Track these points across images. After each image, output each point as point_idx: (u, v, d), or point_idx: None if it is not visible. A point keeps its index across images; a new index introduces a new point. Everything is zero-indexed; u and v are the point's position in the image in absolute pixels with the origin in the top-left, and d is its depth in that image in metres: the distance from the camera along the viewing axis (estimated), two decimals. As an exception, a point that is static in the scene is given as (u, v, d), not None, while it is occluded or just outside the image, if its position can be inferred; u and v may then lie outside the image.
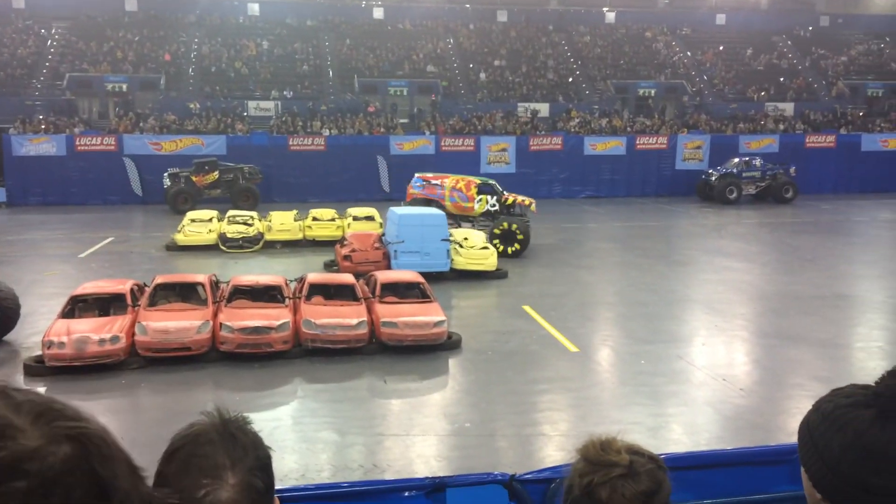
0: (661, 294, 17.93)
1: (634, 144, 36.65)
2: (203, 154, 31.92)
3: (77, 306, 13.35)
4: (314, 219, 24.08)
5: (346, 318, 13.28)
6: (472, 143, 35.26)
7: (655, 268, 20.94)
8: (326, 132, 35.13)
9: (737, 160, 34.82)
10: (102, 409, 11.13)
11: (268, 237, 22.99)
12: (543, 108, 39.85)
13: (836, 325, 15.72)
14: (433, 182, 24.00)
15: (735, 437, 10.10)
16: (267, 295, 14.27)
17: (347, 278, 15.15)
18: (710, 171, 35.16)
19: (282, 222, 23.60)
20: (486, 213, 23.31)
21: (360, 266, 18.06)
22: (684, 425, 10.76)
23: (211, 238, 22.44)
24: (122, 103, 37.24)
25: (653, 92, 42.67)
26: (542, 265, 20.90)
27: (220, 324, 12.92)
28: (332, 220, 24.09)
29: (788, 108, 41.88)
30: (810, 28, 49.30)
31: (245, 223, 23.39)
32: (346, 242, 20.05)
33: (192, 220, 23.31)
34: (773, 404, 11.55)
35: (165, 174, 30.65)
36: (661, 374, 12.50)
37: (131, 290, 13.79)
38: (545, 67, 43.54)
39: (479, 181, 24.05)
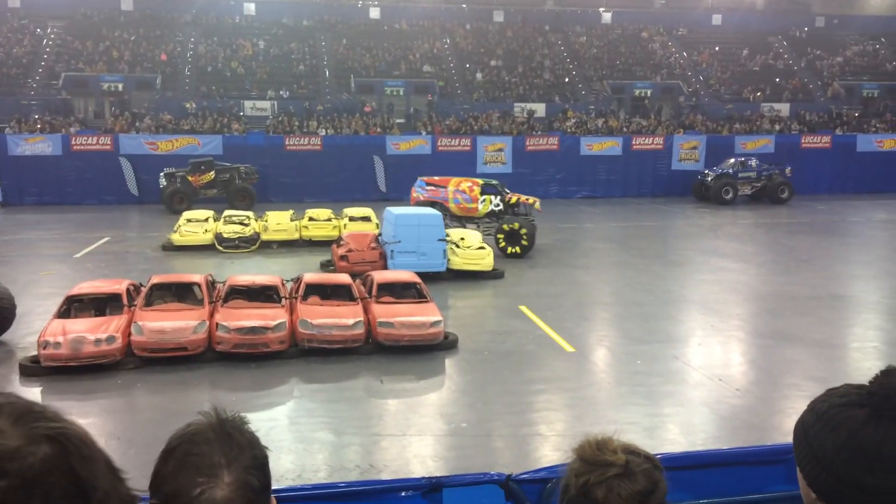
0: (657, 294, 17.95)
1: (631, 145, 36.67)
2: (199, 154, 31.85)
3: (73, 306, 13.30)
4: (310, 219, 24.08)
5: (342, 319, 13.26)
6: (469, 143, 35.24)
7: (651, 268, 20.96)
8: (323, 132, 35.10)
9: (733, 161, 34.87)
10: (98, 410, 11.14)
11: (264, 237, 22.97)
12: (540, 109, 39.89)
13: (831, 326, 15.77)
14: (437, 185, 23.98)
15: (731, 437, 10.12)
16: (263, 295, 14.24)
17: (344, 278, 15.12)
18: (706, 171, 35.19)
19: (278, 222, 23.58)
20: (491, 214, 23.33)
21: (357, 266, 18.03)
22: (680, 425, 10.77)
23: (207, 238, 22.42)
24: (119, 103, 37.21)
25: (649, 92, 42.73)
26: (539, 265, 20.92)
27: (217, 324, 12.89)
28: (329, 220, 24.08)
29: (784, 108, 41.96)
30: (806, 29, 49.42)
31: (241, 223, 23.35)
32: (342, 242, 20.02)
33: (189, 220, 23.29)
34: (769, 404, 11.57)
35: (161, 174, 30.60)
36: (657, 375, 12.52)
37: (127, 290, 13.76)
38: (541, 68, 43.56)
39: (482, 182, 24.04)
